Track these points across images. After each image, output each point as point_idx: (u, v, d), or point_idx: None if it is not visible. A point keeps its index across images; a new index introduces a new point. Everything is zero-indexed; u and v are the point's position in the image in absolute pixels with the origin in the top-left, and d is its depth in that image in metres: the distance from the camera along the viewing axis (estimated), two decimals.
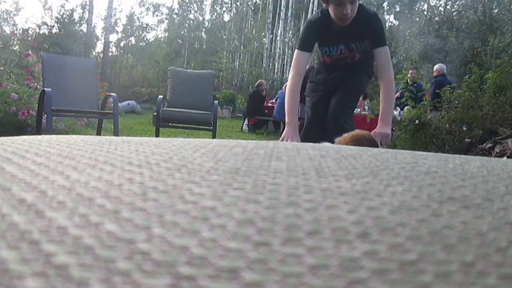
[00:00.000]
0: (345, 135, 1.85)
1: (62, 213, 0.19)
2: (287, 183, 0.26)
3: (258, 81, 9.50)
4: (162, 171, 0.28)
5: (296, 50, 2.26)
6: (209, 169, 0.29)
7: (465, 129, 4.57)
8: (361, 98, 7.87)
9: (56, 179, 0.25)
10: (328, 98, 2.32)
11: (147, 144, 0.41)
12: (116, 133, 3.85)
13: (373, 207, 0.22)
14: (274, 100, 8.77)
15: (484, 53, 14.29)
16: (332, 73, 2.34)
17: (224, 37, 25.34)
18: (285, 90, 9.36)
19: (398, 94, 7.40)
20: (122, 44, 27.50)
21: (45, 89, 3.64)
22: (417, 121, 4.48)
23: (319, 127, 2.39)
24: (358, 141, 1.85)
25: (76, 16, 22.85)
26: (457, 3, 18.47)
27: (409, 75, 7.26)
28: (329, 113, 2.32)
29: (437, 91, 5.64)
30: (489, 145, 4.22)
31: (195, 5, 27.78)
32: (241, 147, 0.41)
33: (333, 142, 2.23)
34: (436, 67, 7.12)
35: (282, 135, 2.18)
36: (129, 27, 27.59)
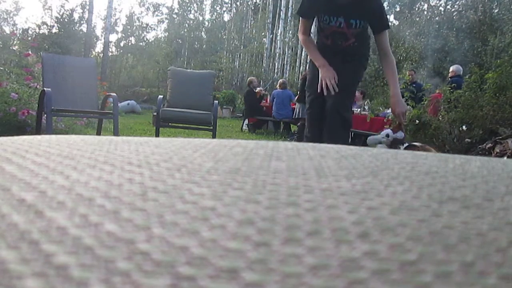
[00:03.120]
0: None
1: (62, 213, 0.19)
2: (287, 183, 0.26)
3: (249, 79, 9.42)
4: (162, 171, 0.28)
5: (301, 18, 2.40)
6: (209, 169, 0.29)
7: (465, 129, 4.56)
8: (361, 98, 7.87)
9: (56, 179, 0.25)
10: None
11: (147, 144, 0.41)
12: (116, 133, 3.85)
13: (373, 207, 0.22)
14: (271, 101, 8.73)
15: (484, 53, 14.29)
16: (329, 61, 2.35)
17: (224, 37, 25.34)
18: (280, 89, 9.18)
19: None
20: (122, 44, 27.52)
21: (45, 89, 3.64)
22: (417, 121, 4.48)
23: (320, 123, 2.44)
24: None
25: (76, 16, 22.88)
26: (457, 3, 18.47)
27: (408, 75, 7.27)
28: (328, 106, 2.36)
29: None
30: (489, 145, 4.22)
31: (195, 5, 27.80)
32: (241, 147, 0.41)
33: (333, 134, 2.31)
34: (452, 68, 7.07)
35: (320, 77, 2.26)
36: (129, 27, 27.60)
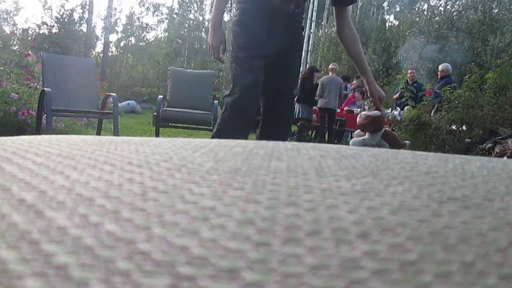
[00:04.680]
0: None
1: (62, 213, 0.19)
2: (287, 183, 0.26)
3: None
4: (162, 171, 0.28)
5: None
6: (209, 169, 0.29)
7: (465, 129, 4.57)
8: (361, 98, 7.87)
9: (56, 179, 0.25)
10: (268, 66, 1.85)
11: (147, 144, 0.41)
12: (116, 133, 3.85)
13: (373, 207, 0.22)
14: None
15: (484, 53, 14.28)
16: (272, 28, 1.83)
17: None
18: None
19: (397, 94, 7.34)
20: (122, 44, 27.49)
21: (45, 89, 3.64)
22: (416, 121, 4.48)
23: (257, 100, 1.91)
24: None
25: (76, 16, 22.84)
26: (457, 3, 18.46)
27: (408, 75, 7.16)
28: (279, 99, 1.90)
29: (437, 91, 5.60)
30: (489, 145, 4.22)
31: (195, 5, 27.78)
32: (241, 147, 0.41)
33: (281, 128, 1.96)
34: (441, 67, 6.61)
35: (208, 41, 1.91)
36: (129, 27, 27.58)
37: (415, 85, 6.71)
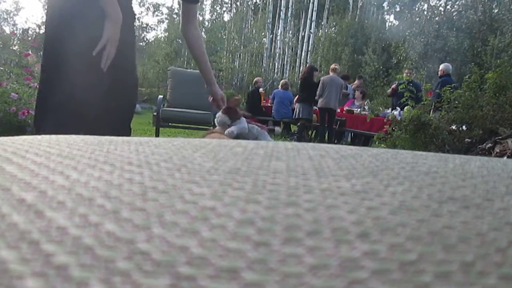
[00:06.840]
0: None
1: (62, 213, 0.19)
2: (287, 183, 0.26)
3: (255, 80, 9.51)
4: (162, 171, 0.28)
5: None
6: (209, 169, 0.29)
7: (465, 129, 4.56)
8: (361, 98, 7.87)
9: (56, 179, 0.25)
10: None
11: (147, 144, 0.41)
12: None
13: (373, 207, 0.22)
14: (271, 100, 8.76)
15: (484, 53, 14.28)
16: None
17: (224, 37, 25.33)
18: (281, 89, 9.31)
19: (394, 86, 7.37)
20: None
21: None
22: (416, 121, 4.48)
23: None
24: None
25: None
26: (457, 3, 18.45)
27: (404, 75, 7.23)
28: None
29: (437, 91, 5.61)
30: (489, 145, 4.22)
31: None
32: (241, 147, 0.41)
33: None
34: (441, 67, 6.95)
35: (106, 38, 1.40)
36: None
37: (412, 84, 6.75)
